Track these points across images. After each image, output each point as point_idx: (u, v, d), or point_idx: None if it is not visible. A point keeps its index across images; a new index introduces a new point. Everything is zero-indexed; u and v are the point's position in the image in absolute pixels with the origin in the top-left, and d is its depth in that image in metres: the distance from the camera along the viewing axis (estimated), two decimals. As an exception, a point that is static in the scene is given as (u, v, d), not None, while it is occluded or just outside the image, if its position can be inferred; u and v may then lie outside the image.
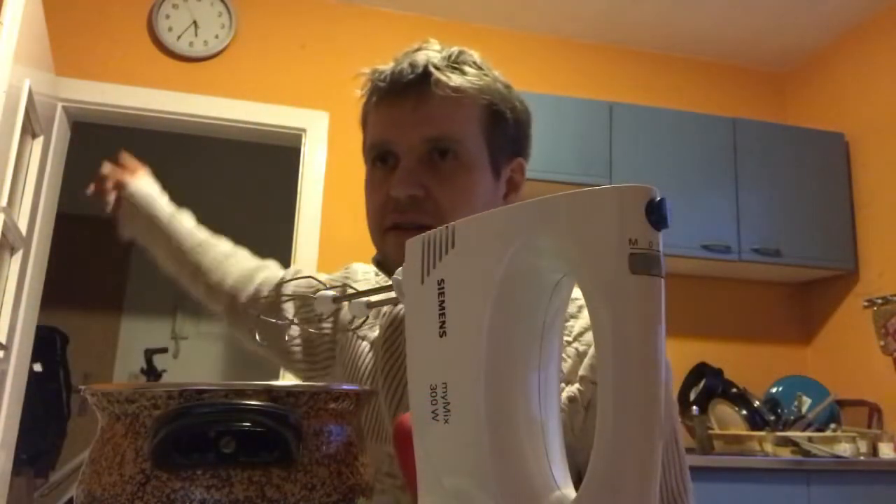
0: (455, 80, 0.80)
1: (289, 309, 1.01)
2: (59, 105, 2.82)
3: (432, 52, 0.82)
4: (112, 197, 1.12)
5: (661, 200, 0.38)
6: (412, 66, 0.80)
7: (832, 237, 3.16)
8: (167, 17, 3.04)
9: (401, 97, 0.80)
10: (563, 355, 0.77)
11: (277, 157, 3.57)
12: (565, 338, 0.79)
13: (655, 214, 0.38)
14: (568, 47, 3.47)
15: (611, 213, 0.38)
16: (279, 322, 0.98)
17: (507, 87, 0.86)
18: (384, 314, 0.91)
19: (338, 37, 3.22)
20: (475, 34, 3.35)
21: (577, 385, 0.76)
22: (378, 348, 0.89)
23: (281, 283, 1.02)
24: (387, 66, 0.83)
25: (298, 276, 1.06)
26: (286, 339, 0.99)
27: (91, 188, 1.14)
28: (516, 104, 0.86)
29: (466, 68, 0.82)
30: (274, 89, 3.10)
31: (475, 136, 0.81)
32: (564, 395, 0.76)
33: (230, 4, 3.10)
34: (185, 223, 1.10)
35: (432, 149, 0.80)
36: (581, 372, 0.76)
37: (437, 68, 0.80)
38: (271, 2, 3.20)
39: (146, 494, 0.45)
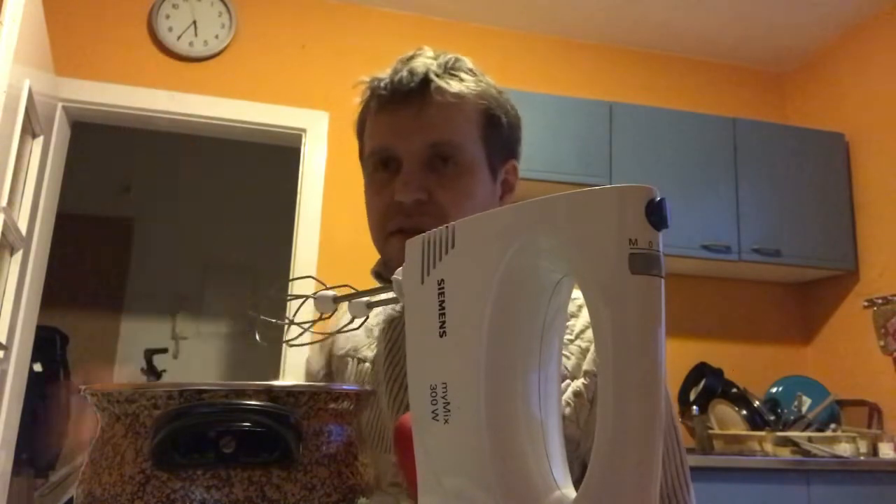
0: (454, 86, 0.83)
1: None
2: (59, 105, 2.82)
3: (429, 60, 0.84)
4: None
5: (661, 200, 0.38)
6: (412, 73, 0.82)
7: (832, 237, 3.15)
8: (167, 17, 3.04)
9: (402, 104, 0.82)
10: (567, 353, 0.79)
11: (277, 157, 3.56)
12: (567, 336, 0.81)
13: (655, 214, 0.38)
14: (568, 47, 3.46)
15: (611, 213, 0.38)
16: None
17: (500, 92, 0.89)
18: (382, 329, 0.90)
19: (338, 37, 3.22)
20: (475, 34, 3.35)
21: (581, 380, 0.78)
22: (379, 361, 0.88)
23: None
24: (385, 74, 0.85)
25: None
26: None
27: None
28: (509, 108, 0.89)
29: (463, 75, 0.85)
30: (274, 89, 3.10)
31: (474, 139, 0.84)
32: (570, 390, 0.77)
33: (230, 4, 3.09)
34: None
35: (434, 153, 0.82)
36: (585, 367, 0.78)
37: (437, 75, 0.83)
38: (271, 2, 3.20)
39: (146, 494, 0.45)
